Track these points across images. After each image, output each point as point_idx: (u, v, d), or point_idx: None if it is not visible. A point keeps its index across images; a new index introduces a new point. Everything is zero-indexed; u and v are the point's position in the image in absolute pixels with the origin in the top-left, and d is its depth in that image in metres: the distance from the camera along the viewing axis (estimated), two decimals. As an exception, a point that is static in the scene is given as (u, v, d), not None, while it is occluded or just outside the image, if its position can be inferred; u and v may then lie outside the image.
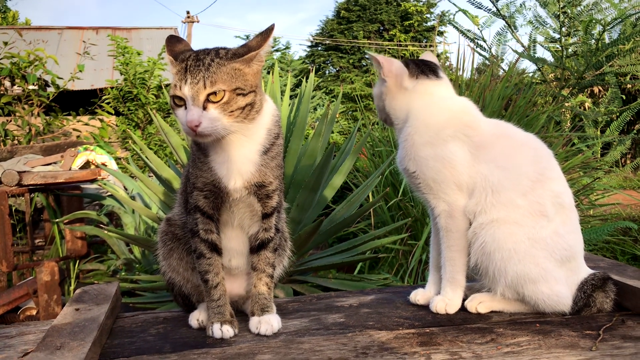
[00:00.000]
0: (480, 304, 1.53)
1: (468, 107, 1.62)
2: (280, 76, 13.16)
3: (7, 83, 6.43)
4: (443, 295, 1.55)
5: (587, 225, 3.63)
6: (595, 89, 9.25)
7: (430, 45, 20.54)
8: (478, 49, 6.68)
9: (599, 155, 6.08)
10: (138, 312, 1.64)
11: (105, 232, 3.18)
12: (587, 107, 7.78)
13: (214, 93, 1.25)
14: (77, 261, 4.02)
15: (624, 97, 7.50)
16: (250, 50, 1.29)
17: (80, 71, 6.87)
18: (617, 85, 6.53)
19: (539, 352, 1.23)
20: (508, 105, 4.12)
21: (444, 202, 1.53)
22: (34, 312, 3.69)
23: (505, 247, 1.45)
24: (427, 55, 1.68)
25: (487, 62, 6.64)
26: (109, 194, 3.93)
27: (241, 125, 1.30)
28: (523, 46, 6.56)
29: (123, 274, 3.57)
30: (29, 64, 6.37)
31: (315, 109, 11.75)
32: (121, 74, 8.17)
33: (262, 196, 1.41)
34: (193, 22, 16.44)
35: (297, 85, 12.81)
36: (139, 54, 8.47)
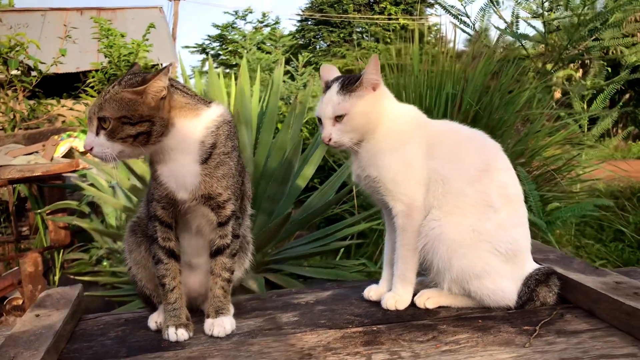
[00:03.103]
0: (428, 299, 1.58)
1: (417, 111, 1.68)
2: (269, 52, 13.10)
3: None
4: (394, 292, 1.61)
5: (572, 201, 3.68)
6: (587, 61, 9.24)
7: (421, 18, 20.39)
8: (462, 25, 6.67)
9: (586, 130, 6.12)
10: (101, 314, 1.69)
11: (82, 223, 3.23)
12: (577, 79, 7.78)
13: (103, 120, 1.30)
14: (62, 251, 4.08)
15: (609, 69, 7.51)
16: (143, 83, 1.33)
17: (63, 55, 6.84)
18: (600, 58, 6.54)
19: (475, 350, 1.29)
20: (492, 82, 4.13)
21: (401, 202, 1.58)
22: (20, 302, 3.76)
23: (450, 238, 1.51)
24: (332, 70, 1.70)
25: (471, 38, 6.64)
26: (89, 183, 3.97)
27: (142, 149, 1.35)
28: (506, 22, 6.55)
29: (105, 263, 3.63)
30: (9, 49, 6.34)
31: (305, 85, 11.72)
32: (105, 56, 8.14)
33: (214, 206, 1.45)
34: (180, -1, 16.32)
35: (287, 61, 12.69)
36: (122, 36, 8.42)
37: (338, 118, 1.55)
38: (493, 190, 1.54)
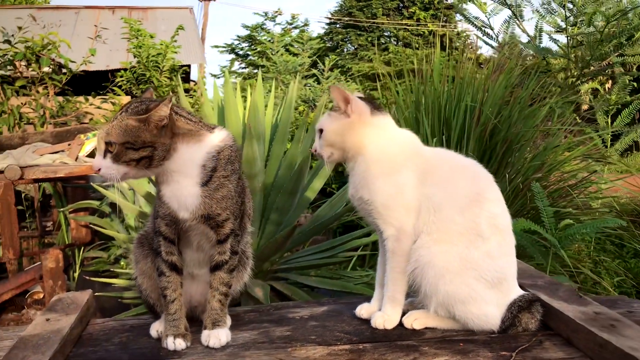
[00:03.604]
0: (415, 320, 1.66)
1: (413, 138, 1.76)
2: (295, 54, 13.21)
3: (23, 66, 6.60)
4: (383, 312, 1.69)
5: (590, 217, 3.67)
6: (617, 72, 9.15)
7: (449, 22, 20.31)
8: (485, 37, 6.70)
9: (609, 145, 6.08)
10: (108, 320, 1.81)
11: (101, 223, 3.37)
12: (603, 93, 7.72)
13: (109, 144, 1.42)
14: (82, 248, 4.23)
15: (635, 84, 7.44)
16: (147, 111, 1.43)
17: (92, 55, 7.02)
18: (624, 73, 6.50)
19: (451, 374, 1.36)
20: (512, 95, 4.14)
21: (392, 227, 1.66)
22: (40, 296, 3.92)
23: (438, 264, 1.59)
24: (360, 95, 1.79)
25: (494, 50, 6.67)
26: (112, 185, 4.11)
27: (146, 171, 1.47)
28: (529, 36, 6.56)
29: (122, 263, 3.77)
30: (42, 47, 6.53)
31: (329, 89, 11.77)
32: (134, 56, 8.33)
33: (213, 225, 1.55)
34: (210, 0, 16.51)
35: (313, 65, 12.75)
36: (152, 37, 8.60)
37: (320, 132, 1.70)
38: (483, 220, 1.61)
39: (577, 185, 3.75)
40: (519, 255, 3.20)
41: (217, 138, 1.54)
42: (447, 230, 1.60)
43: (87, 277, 3.33)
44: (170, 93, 8.05)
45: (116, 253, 3.89)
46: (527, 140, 3.71)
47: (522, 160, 3.65)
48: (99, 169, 1.43)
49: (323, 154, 1.71)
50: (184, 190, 1.51)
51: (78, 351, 1.55)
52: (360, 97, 1.71)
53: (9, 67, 6.27)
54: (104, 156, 1.43)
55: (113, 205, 4.32)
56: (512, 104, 3.83)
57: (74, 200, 4.28)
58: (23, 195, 5.09)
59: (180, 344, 1.54)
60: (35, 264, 4.07)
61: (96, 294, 2.99)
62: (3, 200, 3.53)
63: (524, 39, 6.64)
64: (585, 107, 6.96)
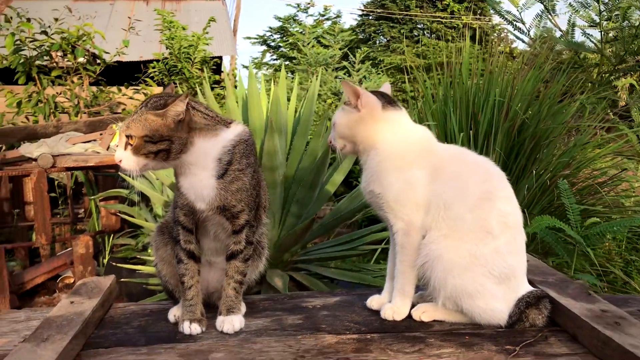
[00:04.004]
0: (424, 313, 1.70)
1: (427, 134, 1.79)
2: (326, 46, 13.24)
3: (59, 57, 6.78)
4: (393, 304, 1.73)
5: (621, 215, 3.62)
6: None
7: (483, 15, 20.05)
8: (516, 32, 6.62)
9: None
10: (130, 304, 1.89)
11: (130, 211, 3.48)
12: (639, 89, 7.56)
13: (129, 137, 1.49)
14: (112, 235, 4.36)
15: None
16: (164, 106, 1.50)
17: (126, 46, 7.17)
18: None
19: (453, 365, 1.40)
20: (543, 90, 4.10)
21: (402, 221, 1.70)
22: (71, 281, 4.06)
23: (447, 259, 1.62)
24: (386, 87, 1.82)
25: (527, 45, 6.59)
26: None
27: (164, 163, 1.54)
28: (561, 30, 6.47)
29: (150, 250, 3.87)
30: (77, 39, 6.70)
31: (360, 81, 11.79)
32: (167, 48, 8.48)
33: (229, 216, 1.62)
34: (243, -9, 16.60)
35: (345, 57, 12.75)
36: (184, 29, 8.73)
37: (334, 125, 1.76)
38: (493, 218, 1.63)
39: (607, 183, 3.70)
40: (544, 253, 3.19)
41: (233, 133, 1.60)
42: (456, 227, 1.63)
43: (115, 264, 3.44)
44: (201, 84, 8.16)
45: (144, 241, 4.00)
46: (556, 137, 3.68)
47: (550, 157, 3.62)
48: (120, 161, 1.50)
49: (336, 146, 1.77)
50: (201, 182, 1.57)
51: (99, 333, 1.63)
52: (373, 92, 1.75)
53: (45, 58, 6.45)
54: (125, 148, 1.51)
55: (142, 194, 4.45)
56: (542, 99, 3.80)
57: (105, 188, 4.41)
58: (56, 182, 5.26)
59: (195, 328, 1.61)
60: (67, 250, 4.22)
61: (123, 279, 3.12)
62: (36, 187, 3.66)
63: (557, 34, 6.54)
64: (622, 103, 6.83)
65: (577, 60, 6.62)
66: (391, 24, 21.72)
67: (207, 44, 8.67)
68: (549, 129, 3.58)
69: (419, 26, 21.67)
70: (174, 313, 1.73)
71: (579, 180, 3.73)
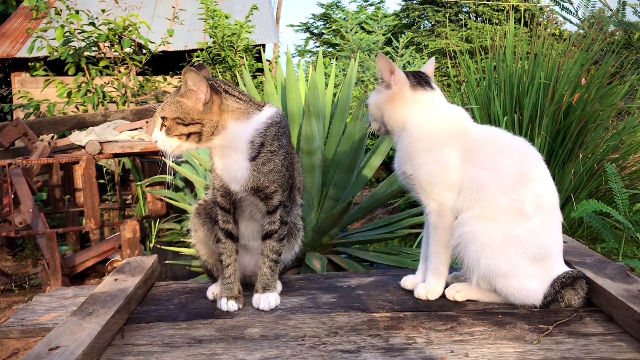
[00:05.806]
0: (457, 292, 1.70)
1: (461, 115, 1.77)
2: (370, 32, 13.17)
3: (106, 47, 6.97)
4: (426, 283, 1.74)
5: None
6: None
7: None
8: (563, 12, 6.45)
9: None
10: (171, 282, 1.96)
11: (174, 196, 3.57)
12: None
13: (163, 118, 1.55)
14: (158, 220, 4.49)
15: None
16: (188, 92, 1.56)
17: (170, 36, 7.32)
18: None
19: (484, 342, 1.41)
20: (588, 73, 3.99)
21: (434, 201, 1.70)
22: (119, 264, 4.20)
23: (480, 240, 1.62)
24: (429, 65, 1.81)
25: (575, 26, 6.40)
26: (185, 160, 4.33)
27: (198, 144, 1.59)
28: (611, 10, 6.26)
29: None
30: (123, 29, 6.87)
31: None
32: (210, 36, 8.60)
33: (262, 197, 1.66)
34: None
35: (388, 42, 12.65)
36: (227, 17, 8.83)
37: (368, 106, 1.79)
38: (527, 200, 1.62)
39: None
40: (592, 239, 3.13)
41: (265, 115, 1.64)
42: (490, 208, 1.63)
43: (161, 247, 3.55)
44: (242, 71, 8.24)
45: (188, 225, 4.10)
46: (604, 120, 3.59)
47: (598, 140, 3.53)
48: (156, 141, 1.56)
49: (373, 127, 1.81)
50: (234, 164, 1.62)
51: (141, 309, 1.70)
52: (407, 72, 1.75)
53: (93, 48, 6.64)
54: (160, 129, 1.56)
55: (186, 179, 4.55)
56: (589, 81, 3.70)
57: (150, 174, 4.54)
58: (104, 169, 5.43)
59: (232, 305, 1.67)
60: (115, 234, 4.36)
61: (167, 261, 3.21)
62: (85, 173, 3.80)
63: (607, 13, 6.33)
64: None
65: (630, 41, 6.39)
66: (436, 8, 21.34)
67: (250, 32, 8.75)
68: (597, 111, 3.49)
69: (464, 9, 21.29)
70: (212, 291, 1.79)
71: (629, 165, 3.64)
